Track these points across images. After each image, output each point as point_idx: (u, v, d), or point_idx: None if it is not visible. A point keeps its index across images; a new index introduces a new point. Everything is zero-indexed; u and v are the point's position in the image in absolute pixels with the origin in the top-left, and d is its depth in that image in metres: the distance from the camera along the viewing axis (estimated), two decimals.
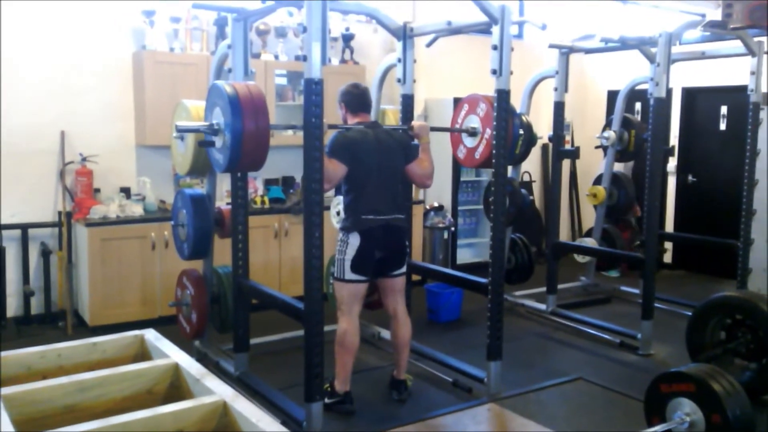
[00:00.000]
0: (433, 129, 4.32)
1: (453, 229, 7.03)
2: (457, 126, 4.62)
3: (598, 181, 6.53)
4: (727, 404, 3.08)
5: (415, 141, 4.09)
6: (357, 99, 4.00)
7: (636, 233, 6.47)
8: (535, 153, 7.76)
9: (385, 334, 4.78)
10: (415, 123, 4.16)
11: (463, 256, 7.34)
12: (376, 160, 3.82)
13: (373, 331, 5.00)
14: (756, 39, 5.32)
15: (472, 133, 4.47)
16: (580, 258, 6.60)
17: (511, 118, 4.45)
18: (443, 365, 4.44)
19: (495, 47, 3.85)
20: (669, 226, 7.60)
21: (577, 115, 8.25)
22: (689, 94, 7.43)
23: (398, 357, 4.12)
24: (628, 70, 6.44)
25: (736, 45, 5.50)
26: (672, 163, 7.51)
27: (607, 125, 6.48)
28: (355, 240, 3.78)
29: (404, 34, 4.47)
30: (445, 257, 7.05)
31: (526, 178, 7.89)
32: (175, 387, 2.97)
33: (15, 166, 5.23)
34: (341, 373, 3.89)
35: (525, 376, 4.47)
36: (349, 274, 3.81)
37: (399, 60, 4.54)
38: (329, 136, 3.76)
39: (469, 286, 4.48)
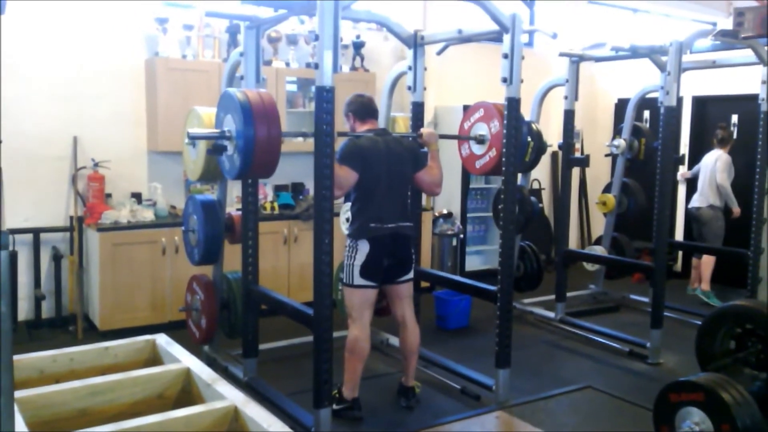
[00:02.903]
0: (442, 136, 4.34)
1: (462, 236, 7.03)
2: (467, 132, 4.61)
3: (607, 189, 6.53)
4: (737, 414, 3.06)
5: (425, 149, 4.10)
6: (363, 107, 4.06)
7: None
8: (545, 161, 7.76)
9: (394, 341, 4.78)
10: (424, 130, 4.18)
11: (472, 263, 7.34)
12: (385, 167, 3.84)
13: (381, 338, 5.01)
14: (767, 48, 5.31)
15: (480, 140, 4.48)
16: (589, 266, 6.59)
17: (521, 127, 4.45)
18: (452, 372, 4.44)
19: (505, 55, 3.86)
20: (679, 235, 7.58)
21: (587, 123, 8.24)
22: (700, 102, 7.42)
23: (407, 364, 4.13)
24: (638, 79, 6.44)
25: (747, 54, 5.49)
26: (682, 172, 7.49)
27: (617, 133, 6.48)
28: (364, 246, 3.80)
29: (415, 42, 4.49)
30: (454, 264, 7.05)
31: (535, 185, 7.90)
32: (187, 392, 2.99)
33: (27, 170, 5.27)
34: (350, 380, 3.89)
35: (533, 384, 4.47)
36: (359, 280, 3.83)
37: (409, 68, 4.56)
38: (338, 144, 3.78)
39: (478, 293, 4.48)
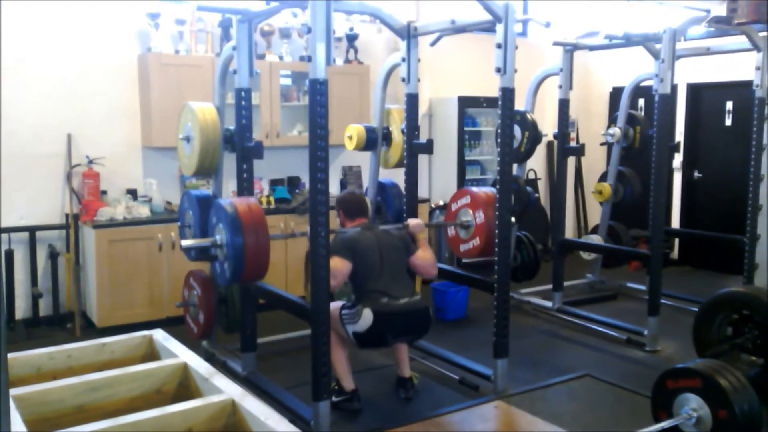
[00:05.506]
0: (428, 225, 4.53)
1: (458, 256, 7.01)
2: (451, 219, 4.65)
3: (603, 178, 6.53)
4: (734, 399, 3.08)
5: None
6: (354, 205, 4.17)
7: None
8: (540, 150, 7.76)
9: None
10: (411, 221, 4.23)
11: None
12: (378, 253, 3.89)
13: None
14: (761, 34, 5.30)
15: (465, 226, 4.50)
16: (586, 255, 6.60)
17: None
18: (450, 363, 4.45)
19: (499, 45, 3.85)
20: (675, 222, 7.59)
21: (582, 112, 8.24)
22: (694, 90, 7.42)
23: (398, 354, 4.15)
24: (633, 67, 6.43)
25: (741, 40, 5.48)
26: (678, 159, 7.49)
27: (612, 122, 6.48)
28: (367, 319, 3.72)
29: (408, 34, 4.47)
30: (451, 255, 7.05)
31: (531, 175, 7.90)
32: (184, 386, 2.99)
33: (22, 169, 5.26)
34: (341, 371, 3.91)
35: (532, 373, 4.48)
36: (350, 335, 3.82)
37: (403, 59, 4.55)
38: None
39: (475, 284, 4.49)
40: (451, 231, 4.64)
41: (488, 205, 4.32)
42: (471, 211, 4.46)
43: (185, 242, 3.83)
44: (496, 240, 4.09)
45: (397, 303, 3.79)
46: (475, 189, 4.56)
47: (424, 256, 4.08)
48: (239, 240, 3.44)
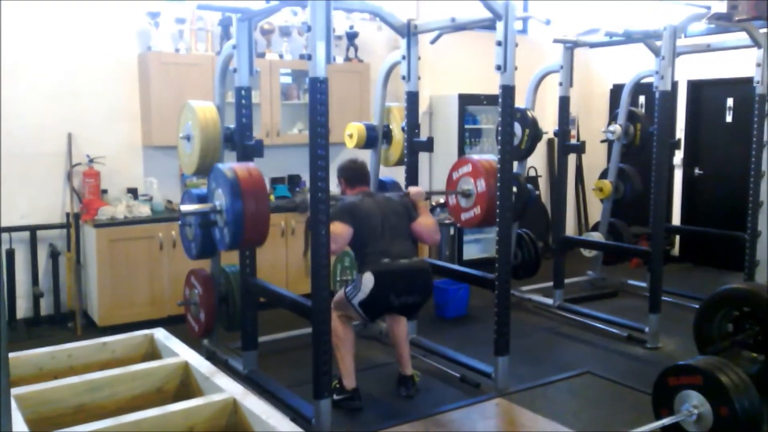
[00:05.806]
0: (429, 193, 4.62)
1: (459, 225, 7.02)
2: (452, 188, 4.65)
3: (604, 175, 6.53)
4: (735, 396, 3.08)
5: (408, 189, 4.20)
6: (355, 174, 4.19)
7: None
8: (541, 148, 7.74)
9: None
10: (411, 189, 4.27)
11: (470, 252, 7.34)
12: (379, 218, 3.91)
13: (379, 328, 5.01)
14: (762, 30, 5.30)
15: (467, 194, 4.49)
16: (586, 252, 6.60)
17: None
18: (451, 361, 4.46)
19: (499, 43, 3.85)
20: (676, 219, 7.59)
21: (583, 109, 8.23)
22: (695, 86, 7.41)
23: (399, 352, 4.15)
24: (633, 64, 6.43)
25: (741, 37, 5.48)
26: (678, 156, 7.49)
27: (613, 119, 6.47)
28: (368, 282, 3.73)
29: (408, 31, 4.47)
30: (452, 253, 7.05)
31: (531, 173, 7.89)
32: (185, 385, 3.00)
33: (23, 168, 5.26)
34: (344, 370, 3.91)
35: (533, 370, 4.48)
36: (357, 307, 3.82)
37: (403, 57, 4.55)
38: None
39: (476, 281, 4.49)
40: (452, 200, 4.63)
41: (489, 174, 4.29)
42: (472, 180, 4.44)
43: (185, 207, 3.79)
44: (497, 238, 4.09)
45: (398, 263, 3.80)
46: (476, 157, 4.52)
47: (426, 222, 4.10)
48: (239, 204, 3.43)
